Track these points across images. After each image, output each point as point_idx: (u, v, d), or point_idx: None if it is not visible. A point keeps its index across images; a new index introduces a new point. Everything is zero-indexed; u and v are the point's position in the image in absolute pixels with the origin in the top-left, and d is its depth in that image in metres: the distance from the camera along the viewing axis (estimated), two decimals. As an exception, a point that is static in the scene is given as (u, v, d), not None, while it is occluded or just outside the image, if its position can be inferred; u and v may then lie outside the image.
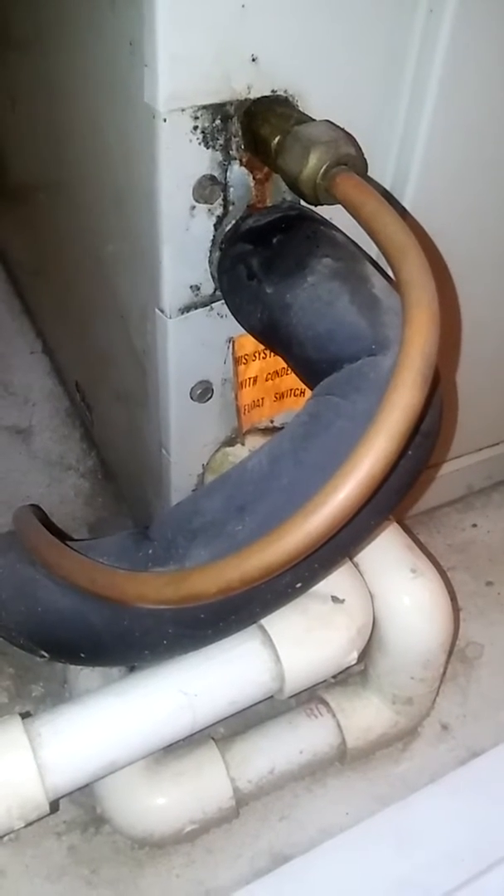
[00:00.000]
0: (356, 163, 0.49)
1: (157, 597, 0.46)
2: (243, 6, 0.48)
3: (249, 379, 0.70)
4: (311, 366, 0.53)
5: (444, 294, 0.71)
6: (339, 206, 0.49)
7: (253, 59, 0.51)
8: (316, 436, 0.49)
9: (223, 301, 0.62)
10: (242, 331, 0.62)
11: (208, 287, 0.61)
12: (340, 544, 0.50)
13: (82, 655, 0.58)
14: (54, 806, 0.58)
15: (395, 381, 0.40)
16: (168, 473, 0.75)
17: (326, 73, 0.54)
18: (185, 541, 0.51)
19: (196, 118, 0.52)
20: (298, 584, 0.53)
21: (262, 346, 0.66)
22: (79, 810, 0.73)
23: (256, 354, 0.69)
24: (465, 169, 0.64)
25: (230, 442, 0.74)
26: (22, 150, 1.00)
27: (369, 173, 0.57)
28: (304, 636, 0.62)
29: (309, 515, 0.40)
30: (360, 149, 0.50)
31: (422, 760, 0.79)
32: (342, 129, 0.50)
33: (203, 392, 0.68)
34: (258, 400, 0.72)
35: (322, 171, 0.49)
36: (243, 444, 0.74)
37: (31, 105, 0.87)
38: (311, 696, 0.76)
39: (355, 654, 0.64)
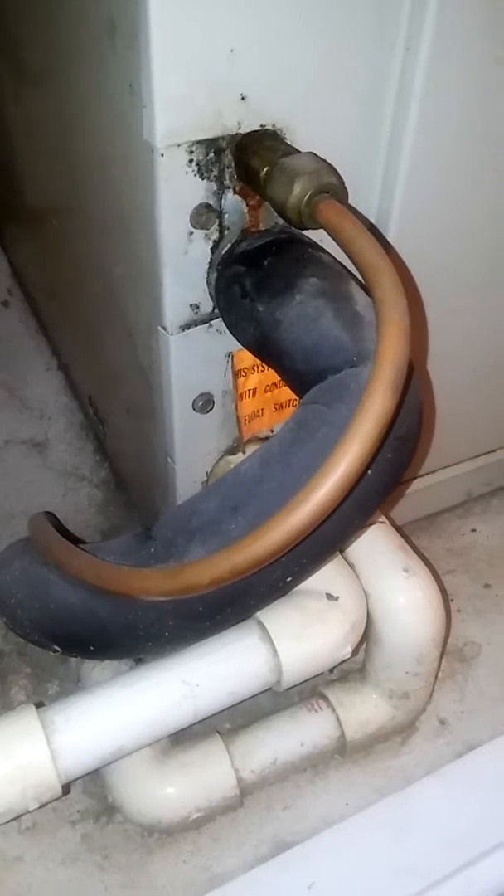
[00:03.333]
0: (337, 191, 0.54)
1: (157, 589, 0.50)
2: (231, 51, 0.53)
3: (249, 391, 0.74)
4: (300, 377, 0.57)
5: (418, 315, 0.75)
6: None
7: (242, 98, 0.56)
8: (302, 441, 0.53)
9: (221, 318, 0.66)
10: (241, 345, 0.66)
11: (207, 305, 0.66)
12: (325, 540, 0.54)
13: (91, 648, 0.62)
14: (66, 789, 0.62)
15: (368, 390, 0.44)
16: (174, 481, 0.79)
17: (310, 108, 0.58)
18: (184, 539, 0.55)
19: (191, 152, 0.56)
20: (289, 579, 0.57)
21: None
22: (91, 800, 0.77)
23: (255, 367, 0.73)
24: (444, 198, 0.69)
25: (232, 451, 0.78)
26: (38, 177, 1.05)
27: (357, 205, 0.62)
28: (301, 631, 0.66)
29: (290, 512, 0.44)
30: (340, 178, 0.54)
31: (420, 754, 0.82)
32: (324, 161, 0.54)
33: (205, 404, 0.72)
34: (258, 410, 0.76)
35: (306, 198, 0.53)
36: (244, 453, 0.78)
37: (44, 136, 0.92)
38: (311, 692, 0.80)
39: (349, 649, 0.68)
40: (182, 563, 0.52)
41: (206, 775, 0.72)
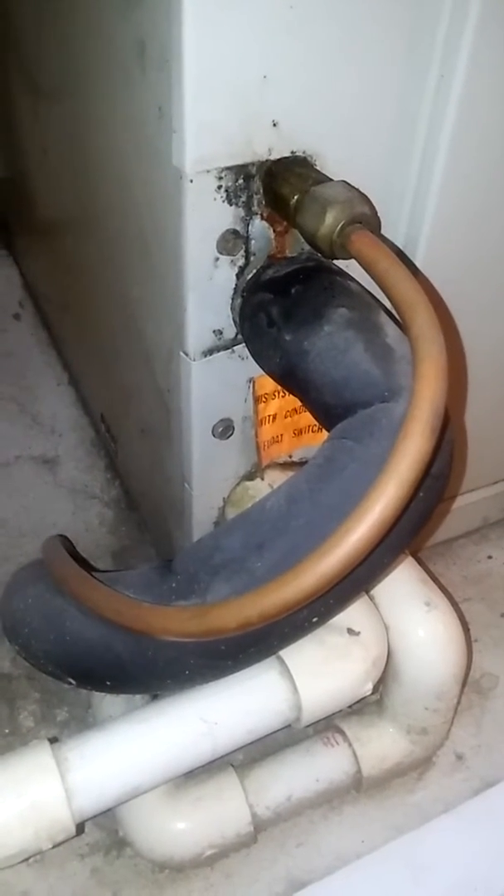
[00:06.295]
0: (370, 221, 0.52)
1: (180, 630, 0.48)
2: (265, 77, 0.52)
3: (269, 416, 0.73)
4: (327, 409, 0.56)
5: (453, 343, 0.74)
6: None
7: (274, 124, 0.54)
8: (331, 478, 0.51)
9: (245, 345, 0.65)
10: (262, 371, 0.65)
11: (230, 331, 0.64)
12: (355, 582, 0.52)
13: (108, 683, 0.60)
14: (80, 828, 0.60)
15: (405, 430, 0.43)
16: (190, 506, 0.78)
17: (342, 135, 0.57)
18: (207, 575, 0.54)
19: (220, 178, 0.55)
20: (315, 619, 0.55)
21: (281, 386, 0.69)
22: (101, 833, 0.75)
23: (276, 393, 0.71)
24: (474, 226, 0.67)
25: (250, 476, 0.77)
26: (53, 192, 1.04)
27: (384, 230, 0.60)
28: (321, 668, 0.64)
29: (323, 556, 0.42)
30: (373, 208, 0.53)
31: (436, 789, 0.80)
32: (357, 190, 0.53)
33: (224, 430, 0.71)
34: (277, 436, 0.75)
35: (338, 229, 0.51)
36: (263, 479, 0.77)
37: (62, 152, 0.91)
38: (327, 725, 0.78)
39: (370, 686, 0.66)
40: (207, 604, 0.51)
41: (220, 811, 0.71)
